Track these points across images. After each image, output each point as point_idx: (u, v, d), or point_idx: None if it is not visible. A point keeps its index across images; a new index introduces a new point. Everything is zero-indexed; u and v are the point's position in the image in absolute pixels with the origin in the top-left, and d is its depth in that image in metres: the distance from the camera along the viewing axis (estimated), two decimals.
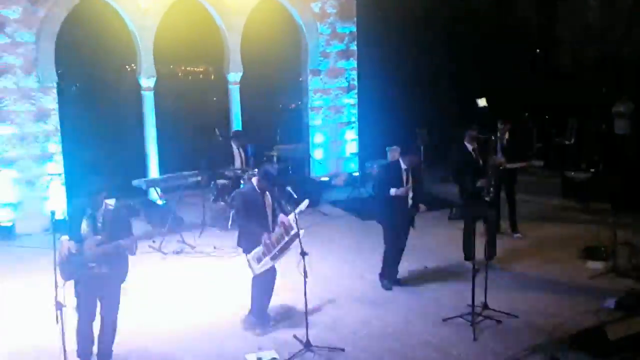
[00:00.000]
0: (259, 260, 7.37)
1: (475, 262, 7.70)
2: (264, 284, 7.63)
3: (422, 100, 17.15)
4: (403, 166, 8.39)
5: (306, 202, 7.82)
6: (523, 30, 18.00)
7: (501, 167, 9.89)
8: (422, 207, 8.61)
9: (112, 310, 6.76)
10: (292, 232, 7.55)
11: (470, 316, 7.49)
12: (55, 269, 6.15)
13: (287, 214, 7.71)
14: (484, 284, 7.77)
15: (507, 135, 10.32)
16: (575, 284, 8.71)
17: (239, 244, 7.78)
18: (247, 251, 7.50)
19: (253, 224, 7.47)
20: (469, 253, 9.19)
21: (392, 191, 8.31)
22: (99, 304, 6.67)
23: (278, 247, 7.45)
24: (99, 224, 6.48)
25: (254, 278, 7.55)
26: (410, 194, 8.45)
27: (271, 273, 7.63)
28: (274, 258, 7.45)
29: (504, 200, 10.41)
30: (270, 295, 7.81)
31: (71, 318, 6.56)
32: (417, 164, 8.64)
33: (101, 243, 6.43)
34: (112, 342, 6.85)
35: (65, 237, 6.42)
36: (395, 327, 7.61)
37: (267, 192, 7.63)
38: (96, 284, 6.53)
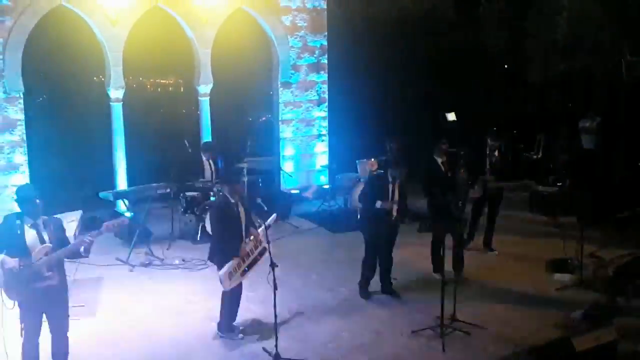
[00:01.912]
0: (230, 275, 7.34)
1: (444, 274, 7.73)
2: (232, 297, 7.59)
3: (392, 114, 17.28)
4: (390, 178, 8.41)
5: (274, 216, 7.86)
6: (492, 45, 18.26)
7: (490, 186, 9.89)
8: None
9: (64, 323, 6.54)
10: (261, 247, 7.59)
11: (439, 328, 7.51)
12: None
13: (256, 228, 7.74)
14: (452, 296, 7.80)
15: (496, 153, 10.17)
16: (542, 296, 8.78)
17: (210, 259, 7.71)
18: (219, 265, 7.44)
19: (228, 237, 7.42)
20: (437, 265, 9.25)
21: (378, 204, 8.31)
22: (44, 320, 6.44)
23: (247, 262, 7.46)
24: (42, 234, 6.28)
25: (224, 292, 7.51)
26: (395, 207, 8.46)
27: (238, 286, 7.60)
28: (243, 273, 7.45)
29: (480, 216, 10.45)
30: (237, 308, 7.77)
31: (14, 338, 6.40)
32: (404, 177, 8.67)
33: (50, 251, 6.23)
34: (67, 357, 6.67)
35: (1, 256, 6.11)
36: (364, 339, 7.60)
37: (240, 204, 7.60)
38: (44, 298, 6.29)
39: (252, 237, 7.66)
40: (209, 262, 7.80)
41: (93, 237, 6.39)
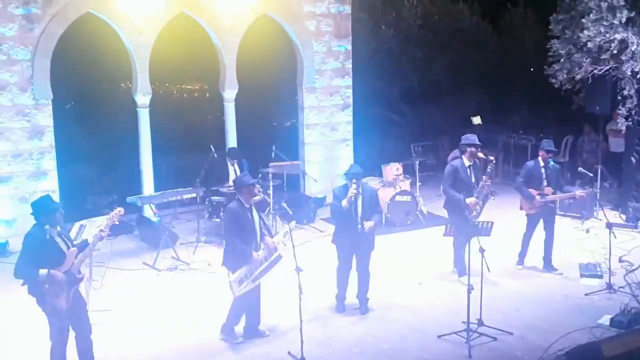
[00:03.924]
0: (240, 282, 7.36)
1: (470, 278, 7.68)
2: (244, 303, 7.60)
3: (416, 117, 17.27)
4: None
5: (293, 223, 7.85)
6: (520, 47, 18.19)
7: (549, 199, 9.47)
8: (367, 224, 8.23)
9: (88, 324, 6.75)
10: (275, 254, 7.60)
11: (466, 333, 7.47)
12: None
13: (271, 235, 7.75)
14: (479, 301, 7.75)
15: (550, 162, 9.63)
16: (570, 301, 8.70)
17: (224, 263, 7.71)
18: (232, 270, 7.46)
19: (242, 242, 7.43)
20: (462, 270, 9.21)
21: (344, 202, 8.13)
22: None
23: (260, 269, 7.47)
24: (66, 238, 6.54)
25: (235, 298, 7.54)
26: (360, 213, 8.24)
27: (254, 293, 7.61)
28: (254, 280, 7.46)
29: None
30: (257, 314, 7.82)
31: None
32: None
33: (78, 253, 6.50)
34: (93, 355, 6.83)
35: (45, 270, 6.21)
36: (389, 344, 7.58)
37: (254, 209, 7.62)
38: (78, 300, 6.54)
39: (265, 244, 7.65)
40: (208, 268, 7.84)
41: (105, 230, 6.60)
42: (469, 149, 9.28)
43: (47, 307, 6.37)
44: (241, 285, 7.35)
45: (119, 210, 6.76)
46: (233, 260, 7.49)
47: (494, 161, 9.39)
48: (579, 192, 9.73)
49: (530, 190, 9.47)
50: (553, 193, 9.52)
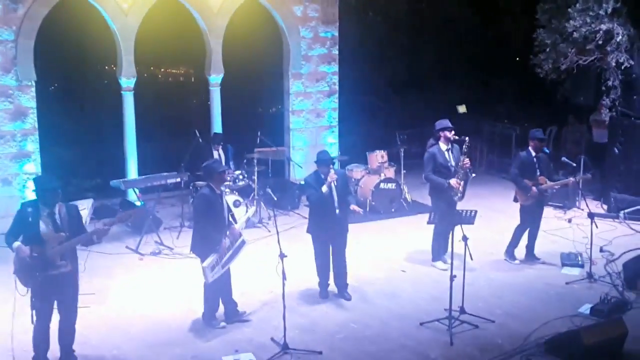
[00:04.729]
0: (212, 268, 7.37)
1: (452, 265, 7.70)
2: (216, 288, 7.62)
3: (402, 105, 17.29)
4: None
5: (253, 209, 7.83)
6: (505, 36, 18.22)
7: (544, 188, 9.43)
8: (355, 207, 8.31)
9: (73, 310, 6.71)
10: (239, 240, 7.63)
11: (448, 320, 7.52)
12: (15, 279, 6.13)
13: (235, 222, 7.82)
14: (461, 289, 7.80)
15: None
16: (551, 290, 8.77)
17: (192, 249, 7.72)
18: (200, 256, 7.47)
19: (212, 228, 7.42)
20: (436, 255, 9.41)
21: (324, 188, 8.11)
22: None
23: (227, 255, 7.50)
24: (58, 222, 6.43)
25: (205, 284, 7.53)
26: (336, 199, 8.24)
27: (224, 277, 7.63)
28: (224, 266, 7.50)
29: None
30: (230, 296, 7.83)
31: (26, 324, 6.53)
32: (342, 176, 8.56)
33: (64, 240, 6.40)
34: (72, 343, 6.81)
35: (17, 243, 6.32)
36: (372, 330, 7.62)
37: (223, 197, 7.62)
38: (56, 285, 6.47)
39: (231, 231, 7.64)
40: (191, 253, 7.84)
41: (108, 225, 6.58)
42: (442, 134, 9.28)
43: (20, 278, 6.43)
44: (213, 272, 7.36)
45: (135, 211, 6.84)
46: (202, 246, 7.49)
47: (468, 140, 9.32)
48: (572, 179, 9.73)
49: (525, 181, 9.43)
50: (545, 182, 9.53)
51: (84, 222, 7.55)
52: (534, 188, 9.37)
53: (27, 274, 6.37)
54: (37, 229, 6.35)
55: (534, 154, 9.50)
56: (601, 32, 11.73)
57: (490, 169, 14.95)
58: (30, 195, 11.10)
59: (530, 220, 9.63)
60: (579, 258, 9.55)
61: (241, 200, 10.99)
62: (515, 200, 9.67)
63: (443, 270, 9.04)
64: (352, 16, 15.90)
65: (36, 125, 11.31)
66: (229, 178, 11.09)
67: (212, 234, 7.39)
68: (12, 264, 6.52)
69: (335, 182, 8.17)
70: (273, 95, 15.86)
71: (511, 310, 8.11)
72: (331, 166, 8.21)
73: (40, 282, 6.37)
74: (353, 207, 8.31)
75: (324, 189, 8.13)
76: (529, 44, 13.02)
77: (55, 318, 6.68)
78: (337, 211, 8.22)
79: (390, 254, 10.12)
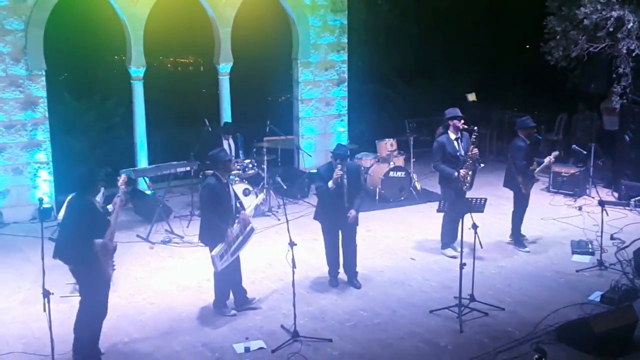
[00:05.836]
0: (221, 257, 7.40)
1: (462, 253, 7.71)
2: (226, 276, 7.65)
3: (411, 93, 17.23)
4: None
5: (262, 196, 7.83)
6: (514, 24, 18.09)
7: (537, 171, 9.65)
8: (351, 213, 8.23)
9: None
10: (249, 227, 7.64)
11: (457, 308, 7.53)
12: (42, 257, 6.12)
13: (244, 209, 7.87)
14: (471, 276, 7.81)
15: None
16: (561, 278, 8.76)
17: (200, 239, 7.76)
18: (209, 245, 7.52)
19: (219, 217, 7.45)
20: (446, 243, 9.41)
21: (330, 184, 8.11)
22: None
23: (236, 244, 7.52)
24: (101, 209, 6.68)
25: (216, 274, 7.58)
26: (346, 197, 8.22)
27: (234, 264, 7.65)
28: (233, 254, 7.52)
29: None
30: (240, 284, 7.86)
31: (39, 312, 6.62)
32: (355, 169, 8.58)
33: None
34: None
35: (99, 241, 6.42)
36: (382, 318, 7.64)
37: (230, 185, 7.64)
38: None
39: (240, 218, 7.66)
40: (199, 243, 7.88)
41: (122, 194, 6.84)
42: (451, 122, 9.26)
43: (96, 279, 6.49)
44: (222, 260, 7.40)
45: (122, 191, 6.87)
46: (210, 236, 7.52)
47: (477, 129, 9.32)
48: (547, 158, 9.83)
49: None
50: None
51: None
52: (536, 176, 9.58)
53: (105, 263, 6.51)
54: (106, 217, 6.58)
55: (528, 142, 9.51)
56: (612, 19, 11.63)
57: (499, 156, 14.88)
58: (43, 185, 11.24)
59: (524, 205, 9.76)
60: (590, 246, 9.54)
61: (251, 188, 11.02)
62: (506, 185, 9.77)
63: (453, 258, 9.07)
64: (360, 4, 15.84)
65: (46, 115, 11.36)
66: (238, 167, 11.14)
67: (218, 223, 7.43)
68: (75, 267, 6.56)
69: (344, 178, 8.14)
70: (282, 84, 15.84)
71: (521, 298, 8.11)
72: (338, 161, 8.13)
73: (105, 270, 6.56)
74: (350, 213, 8.24)
75: (330, 184, 8.15)
76: (539, 32, 12.92)
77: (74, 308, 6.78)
78: (347, 204, 8.22)
79: (399, 242, 10.13)
